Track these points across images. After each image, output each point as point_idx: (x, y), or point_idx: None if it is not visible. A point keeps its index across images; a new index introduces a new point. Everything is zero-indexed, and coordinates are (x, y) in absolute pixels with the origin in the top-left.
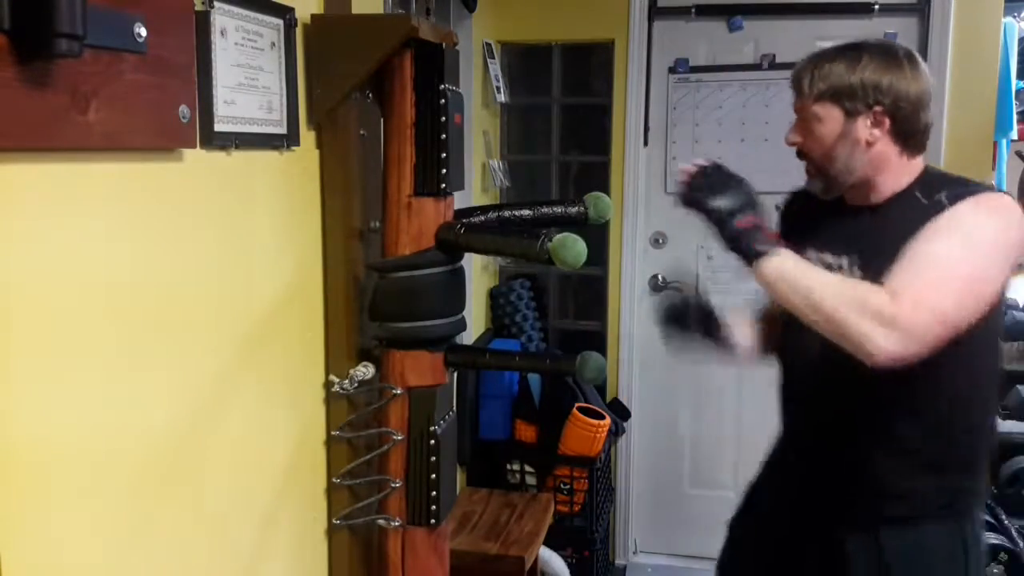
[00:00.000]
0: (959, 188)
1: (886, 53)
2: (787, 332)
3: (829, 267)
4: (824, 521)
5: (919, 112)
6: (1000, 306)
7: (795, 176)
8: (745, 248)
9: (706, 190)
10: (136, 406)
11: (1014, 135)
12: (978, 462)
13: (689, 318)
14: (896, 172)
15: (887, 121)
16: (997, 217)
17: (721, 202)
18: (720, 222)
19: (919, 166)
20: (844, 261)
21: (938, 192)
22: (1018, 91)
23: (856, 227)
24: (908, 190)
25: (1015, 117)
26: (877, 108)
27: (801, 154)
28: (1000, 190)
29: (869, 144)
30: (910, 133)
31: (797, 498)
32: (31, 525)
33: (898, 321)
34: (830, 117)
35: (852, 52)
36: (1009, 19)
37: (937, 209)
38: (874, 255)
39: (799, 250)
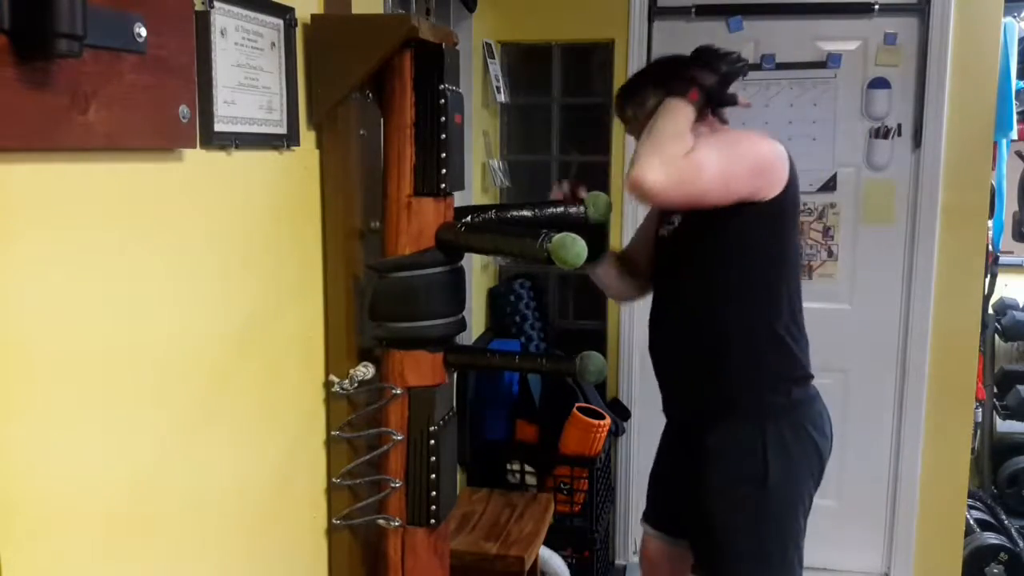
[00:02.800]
0: None
1: (645, 76)
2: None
3: (664, 224)
4: (687, 423)
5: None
6: (778, 222)
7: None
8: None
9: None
10: (135, 408)
11: (1014, 135)
12: (788, 373)
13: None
14: None
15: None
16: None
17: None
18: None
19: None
20: (674, 218)
21: None
22: (1018, 91)
23: None
24: None
25: (1015, 117)
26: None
27: None
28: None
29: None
30: (710, 105)
31: (671, 411)
32: (30, 522)
33: (669, 159)
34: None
35: (626, 91)
36: (1009, 19)
37: None
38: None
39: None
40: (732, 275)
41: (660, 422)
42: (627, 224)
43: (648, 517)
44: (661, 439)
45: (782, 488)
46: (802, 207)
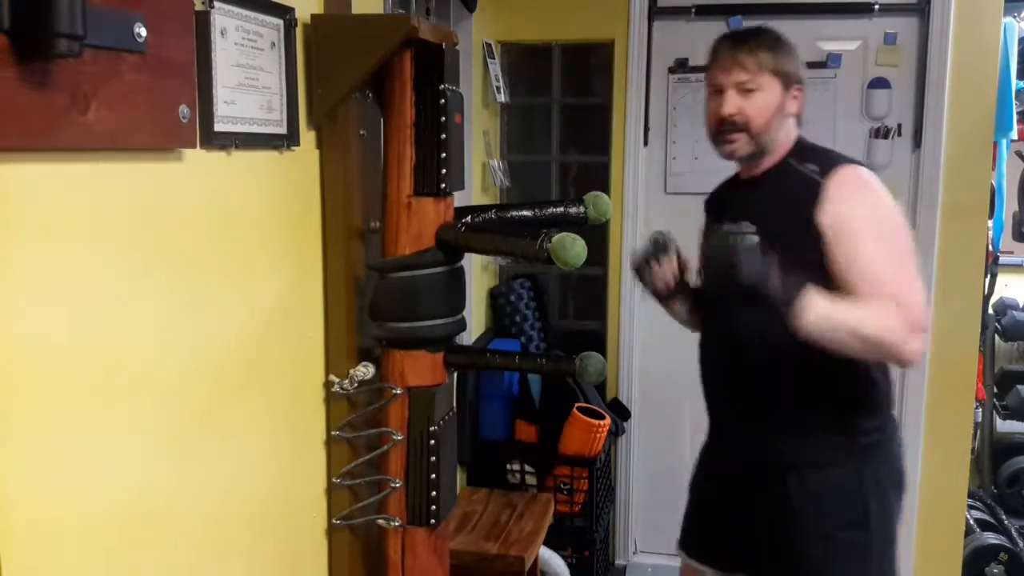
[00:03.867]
0: (827, 159)
1: (789, 43)
2: (706, 306)
3: (739, 236)
4: (763, 466)
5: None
6: None
7: None
8: (785, 302)
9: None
10: (134, 408)
11: (1014, 135)
12: (878, 412)
13: (651, 265)
14: (788, 141)
15: (801, 97)
16: (878, 192)
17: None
18: (759, 291)
19: (796, 135)
20: (737, 227)
21: (809, 160)
22: (1018, 91)
23: (752, 197)
24: (784, 159)
25: (1015, 117)
26: (798, 85)
27: (727, 123)
28: (856, 161)
29: (795, 116)
30: (803, 108)
31: (740, 452)
32: (30, 529)
33: (918, 323)
34: (773, 89)
35: (775, 38)
36: (1009, 19)
37: (812, 183)
38: (766, 219)
39: (717, 225)
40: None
41: (660, 422)
42: (627, 224)
43: (691, 549)
44: (706, 473)
45: (881, 527)
46: None
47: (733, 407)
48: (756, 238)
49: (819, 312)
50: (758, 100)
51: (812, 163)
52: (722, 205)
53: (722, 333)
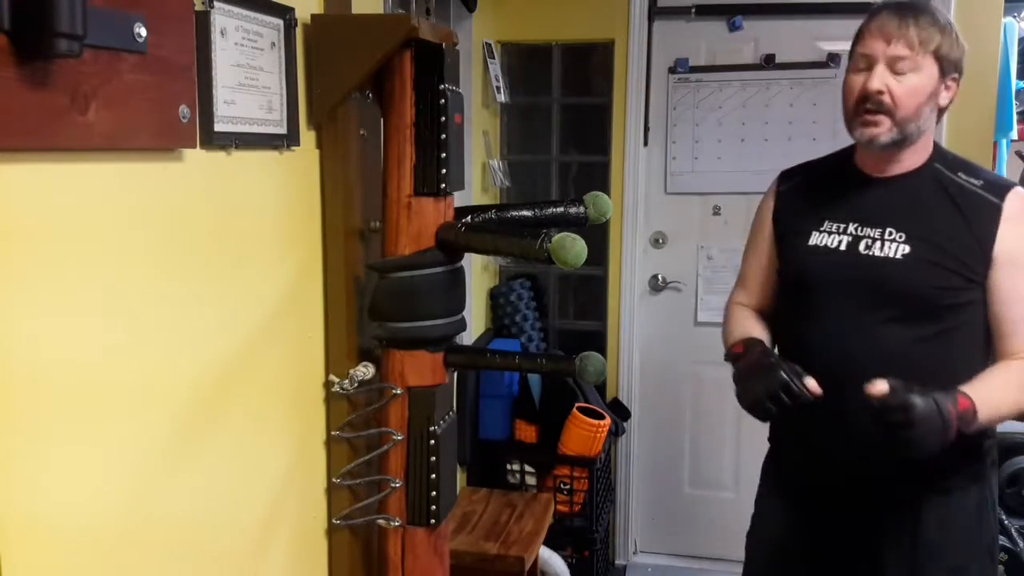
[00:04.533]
0: (986, 175)
1: (954, 27)
2: (810, 320)
3: (861, 239)
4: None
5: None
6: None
7: None
8: (964, 427)
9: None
10: (134, 407)
11: (1014, 135)
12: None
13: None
14: (930, 142)
15: (955, 90)
16: None
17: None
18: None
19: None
20: (879, 232)
21: (960, 170)
22: (1018, 91)
23: (891, 197)
24: (929, 162)
25: (1015, 117)
26: (955, 75)
27: (872, 102)
28: (1016, 184)
29: (941, 109)
30: (950, 107)
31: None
32: (30, 521)
33: None
34: (930, 73)
35: (940, 16)
36: (1009, 19)
37: (986, 202)
38: (924, 230)
39: (812, 223)
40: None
41: (660, 422)
42: (627, 224)
43: None
44: (777, 507)
45: (995, 551)
46: None
47: (842, 426)
48: (931, 404)
49: (985, 417)
50: (911, 81)
51: (964, 174)
52: (835, 200)
53: (837, 345)
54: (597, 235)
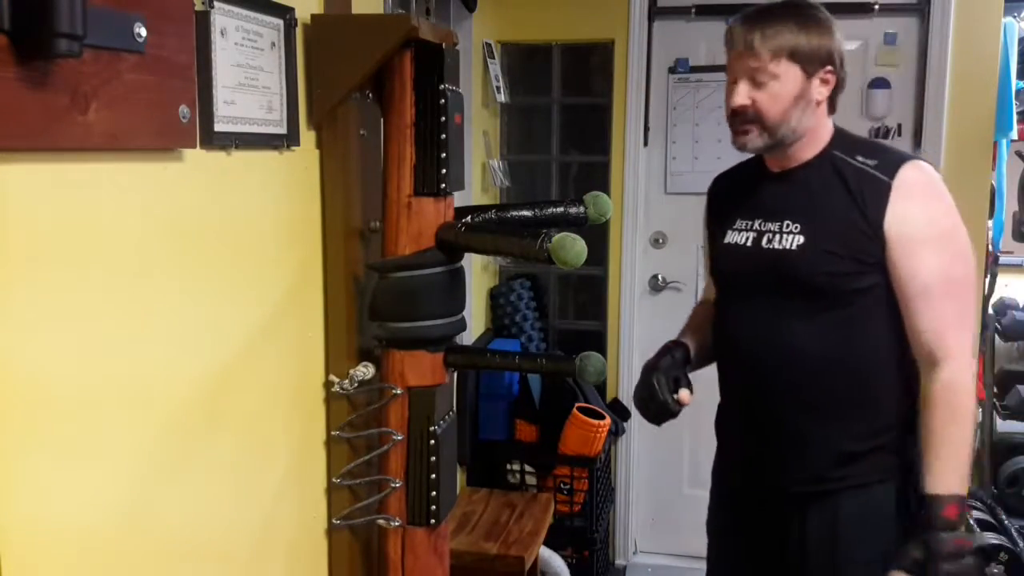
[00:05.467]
0: (885, 153)
1: (818, 13)
2: (728, 315)
3: (764, 233)
4: (782, 490)
5: (845, 70)
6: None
7: None
8: (963, 520)
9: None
10: (135, 406)
11: (1014, 135)
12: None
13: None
14: (823, 132)
15: (833, 81)
16: (946, 197)
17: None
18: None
19: (831, 125)
20: (777, 225)
21: (859, 152)
22: (1018, 91)
23: (788, 191)
24: (826, 150)
25: (1015, 117)
26: (828, 68)
27: (739, 115)
28: (914, 157)
29: (818, 103)
30: (839, 93)
31: (756, 473)
32: (30, 516)
33: (969, 374)
34: (791, 77)
35: (793, 12)
36: (1009, 19)
37: (875, 181)
38: (818, 218)
39: (728, 223)
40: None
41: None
42: (627, 224)
43: None
44: (731, 505)
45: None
46: None
47: (769, 423)
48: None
49: (959, 483)
50: (772, 89)
51: (862, 156)
52: (745, 199)
53: (758, 347)
54: (597, 235)
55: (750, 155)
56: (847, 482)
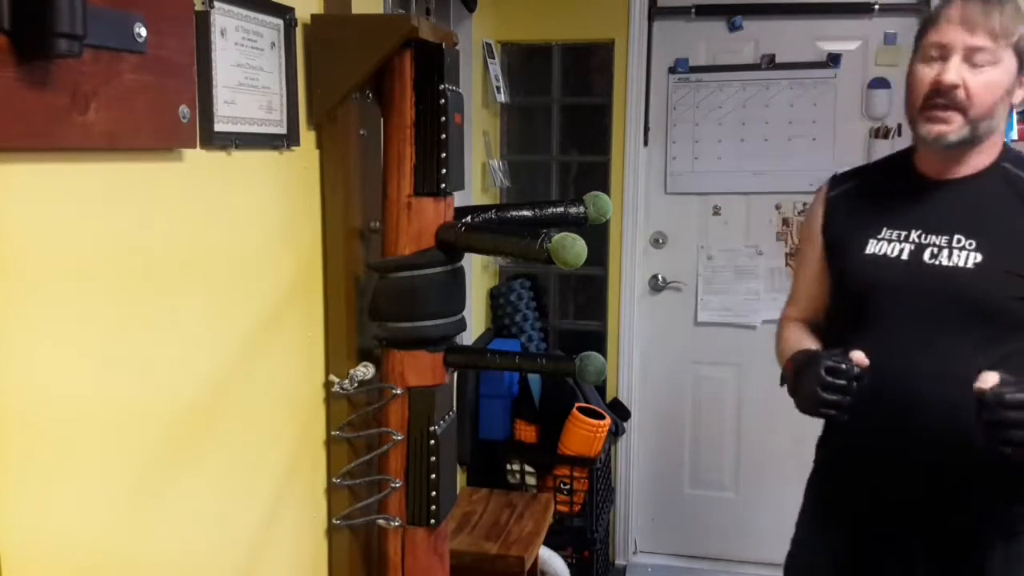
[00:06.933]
0: None
1: None
2: (869, 339)
3: (925, 247)
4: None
5: None
6: None
7: (794, 176)
8: None
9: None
10: (135, 406)
11: (1014, 135)
12: None
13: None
14: (999, 141)
15: None
16: None
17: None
18: None
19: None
20: (945, 240)
21: None
22: None
23: (955, 201)
24: (998, 162)
25: (1015, 117)
26: None
27: (944, 96)
28: None
29: (1014, 107)
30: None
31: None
32: (30, 518)
33: None
34: (1008, 68)
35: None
36: None
37: None
38: (995, 236)
39: (870, 231)
40: None
41: (660, 422)
42: (627, 224)
43: None
44: (820, 531)
45: None
46: (802, 207)
47: (903, 451)
48: None
49: None
50: (990, 75)
51: None
52: (893, 205)
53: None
54: (597, 235)
55: (890, 154)
56: (998, 526)
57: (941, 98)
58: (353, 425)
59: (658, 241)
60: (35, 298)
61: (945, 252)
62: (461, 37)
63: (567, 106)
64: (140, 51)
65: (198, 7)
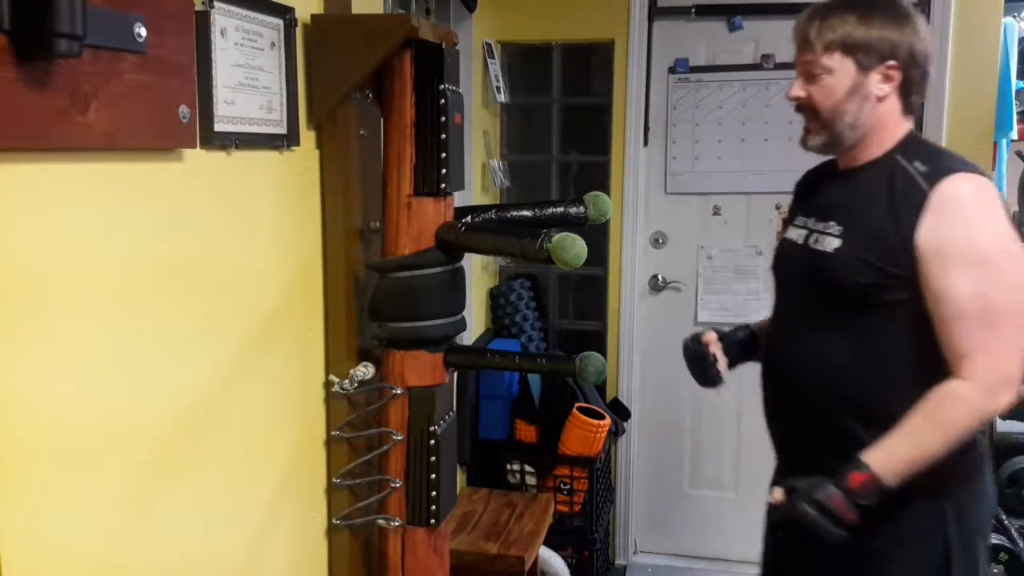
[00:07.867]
0: (940, 162)
1: (890, 7)
2: (773, 311)
3: (813, 232)
4: None
5: (927, 69)
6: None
7: (794, 176)
8: (868, 499)
9: (804, 504)
10: (135, 406)
11: (1014, 135)
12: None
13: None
14: (892, 131)
15: (898, 77)
16: (994, 216)
17: (817, 495)
18: (830, 507)
19: (907, 128)
20: (823, 225)
21: (917, 159)
22: (1018, 91)
23: (841, 191)
24: (890, 153)
25: (1015, 117)
26: (891, 62)
27: (802, 110)
28: (971, 169)
29: (879, 99)
30: (915, 91)
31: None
32: (30, 518)
33: (1004, 376)
34: (842, 70)
35: (862, 5)
36: (1009, 19)
37: (916, 190)
38: (856, 223)
39: (792, 219)
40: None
41: (660, 422)
42: (627, 224)
43: None
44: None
45: (966, 572)
46: None
47: (801, 441)
48: (816, 511)
49: (899, 472)
50: (825, 82)
51: (921, 161)
52: (808, 194)
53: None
54: (597, 235)
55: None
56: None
57: (799, 112)
58: (353, 425)
59: (658, 241)
60: (35, 298)
61: (821, 237)
62: (461, 37)
63: (567, 106)
64: (140, 51)
65: (198, 7)
